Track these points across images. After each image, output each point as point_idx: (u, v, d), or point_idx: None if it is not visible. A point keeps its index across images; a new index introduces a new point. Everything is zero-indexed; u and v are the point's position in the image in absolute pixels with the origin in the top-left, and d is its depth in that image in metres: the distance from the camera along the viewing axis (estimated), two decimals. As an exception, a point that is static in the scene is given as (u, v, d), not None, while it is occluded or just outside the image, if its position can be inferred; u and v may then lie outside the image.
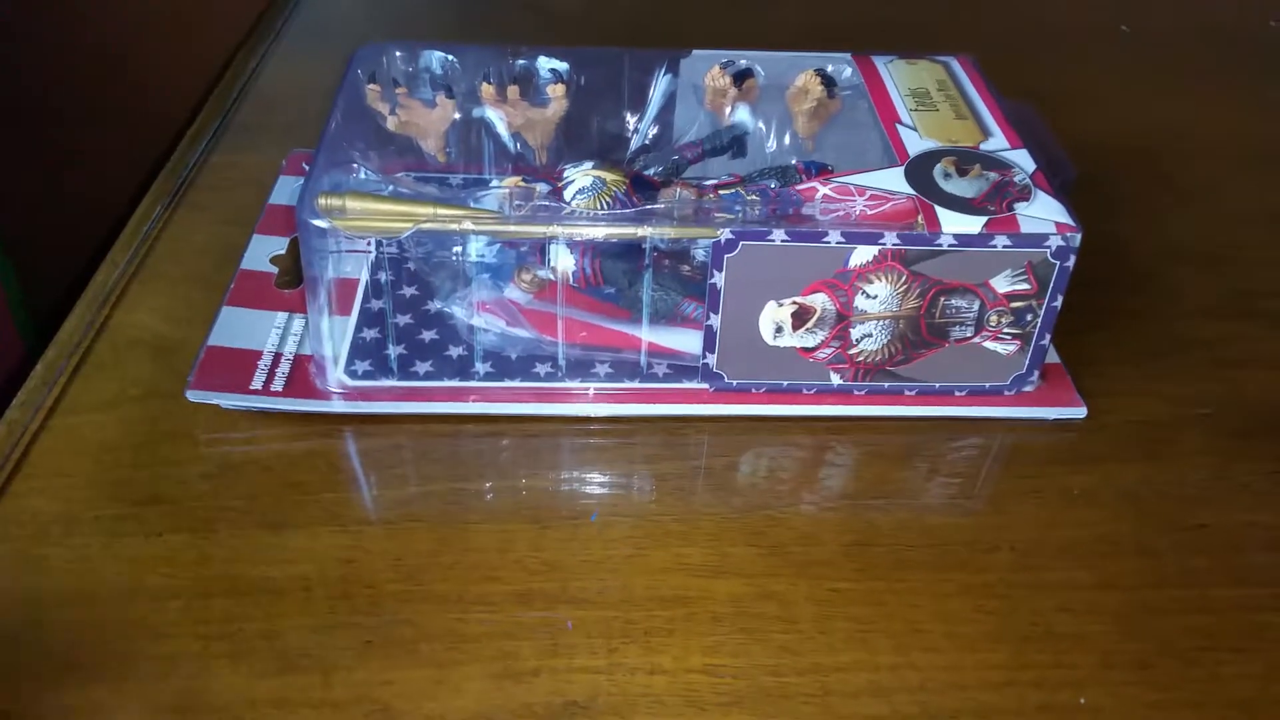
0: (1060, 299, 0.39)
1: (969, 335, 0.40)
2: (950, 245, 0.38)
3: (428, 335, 0.43)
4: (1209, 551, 0.37)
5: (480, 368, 0.42)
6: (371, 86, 0.45)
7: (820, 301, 0.39)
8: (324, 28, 0.70)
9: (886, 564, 0.36)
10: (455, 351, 0.42)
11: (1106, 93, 0.66)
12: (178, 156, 0.56)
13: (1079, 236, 0.38)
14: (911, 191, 0.39)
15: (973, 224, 0.38)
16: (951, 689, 0.32)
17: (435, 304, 0.44)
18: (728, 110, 0.47)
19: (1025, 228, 0.38)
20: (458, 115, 0.46)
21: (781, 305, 0.39)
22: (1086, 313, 0.47)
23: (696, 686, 0.32)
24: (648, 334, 0.42)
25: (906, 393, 0.41)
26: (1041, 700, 0.32)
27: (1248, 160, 0.60)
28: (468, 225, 0.39)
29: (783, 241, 0.37)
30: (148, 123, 0.58)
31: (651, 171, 0.44)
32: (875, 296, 0.39)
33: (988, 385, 0.41)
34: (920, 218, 0.38)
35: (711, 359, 0.40)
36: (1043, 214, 0.39)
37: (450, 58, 0.47)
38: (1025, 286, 0.39)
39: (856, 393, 0.41)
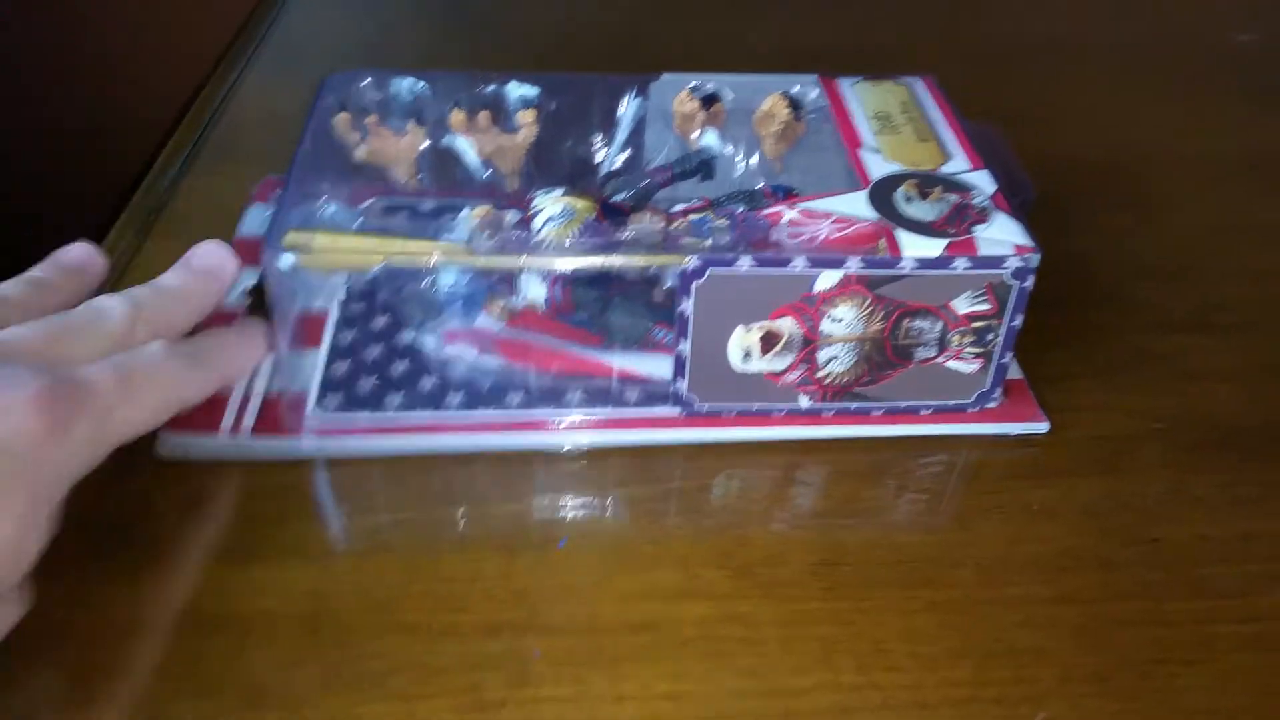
0: (1020, 318, 0.40)
1: (932, 355, 0.41)
2: (912, 269, 0.38)
3: (399, 367, 0.43)
4: (1164, 565, 0.38)
5: (452, 398, 0.42)
6: (341, 115, 0.46)
7: (787, 326, 0.39)
8: (297, 52, 0.71)
9: (853, 583, 0.37)
10: (428, 383, 0.42)
11: (1072, 110, 0.67)
12: (149, 182, 0.56)
13: (1037, 257, 0.39)
14: (874, 215, 0.40)
15: (933, 247, 0.39)
16: (914, 708, 0.33)
17: (407, 335, 0.44)
18: (696, 134, 0.48)
19: (983, 250, 0.39)
20: (428, 142, 0.47)
21: (749, 330, 0.39)
22: (1050, 329, 0.48)
23: (661, 713, 0.32)
24: (619, 360, 0.42)
25: (874, 413, 0.42)
26: (1003, 715, 0.33)
27: (1210, 175, 0.61)
28: (437, 259, 0.39)
29: (749, 268, 0.38)
30: (119, 148, 0.59)
31: (621, 196, 0.45)
32: (841, 320, 0.39)
33: (952, 403, 0.42)
34: (883, 241, 0.39)
35: (682, 384, 0.41)
36: (1001, 235, 0.40)
37: (420, 84, 0.48)
38: (985, 307, 0.40)
39: (825, 414, 0.42)
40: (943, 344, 0.40)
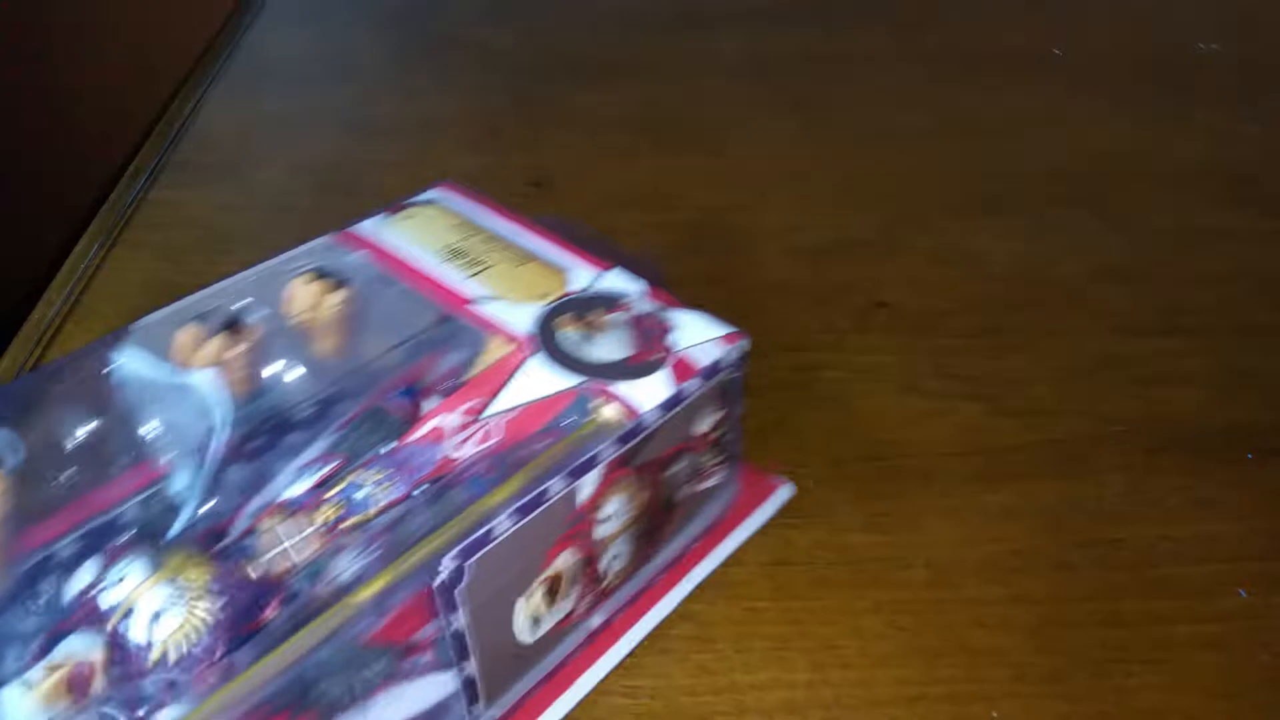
0: (743, 402, 0.35)
1: (693, 489, 0.35)
2: (657, 420, 0.32)
3: None
4: (1123, 566, 0.38)
5: None
6: None
7: (566, 559, 0.31)
8: (264, 66, 0.71)
9: (804, 583, 0.37)
10: None
11: (1039, 117, 0.68)
12: (116, 194, 0.56)
13: (748, 340, 0.34)
14: (572, 380, 0.32)
15: (660, 385, 0.32)
16: (864, 705, 0.33)
17: None
18: (231, 372, 0.33)
19: (702, 360, 0.33)
20: None
21: (532, 595, 0.30)
22: (1012, 334, 0.48)
23: (616, 708, 0.32)
24: None
25: (660, 579, 0.36)
26: (953, 713, 0.33)
27: (1174, 180, 0.61)
28: None
29: (510, 528, 0.28)
30: (87, 160, 0.59)
31: (197, 514, 0.29)
32: (611, 515, 0.32)
33: (714, 515, 0.37)
34: (599, 400, 0.32)
35: (479, 706, 0.30)
36: (701, 334, 0.34)
37: None
38: (721, 414, 0.35)
39: (618, 615, 0.34)
40: (697, 471, 0.35)
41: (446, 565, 0.27)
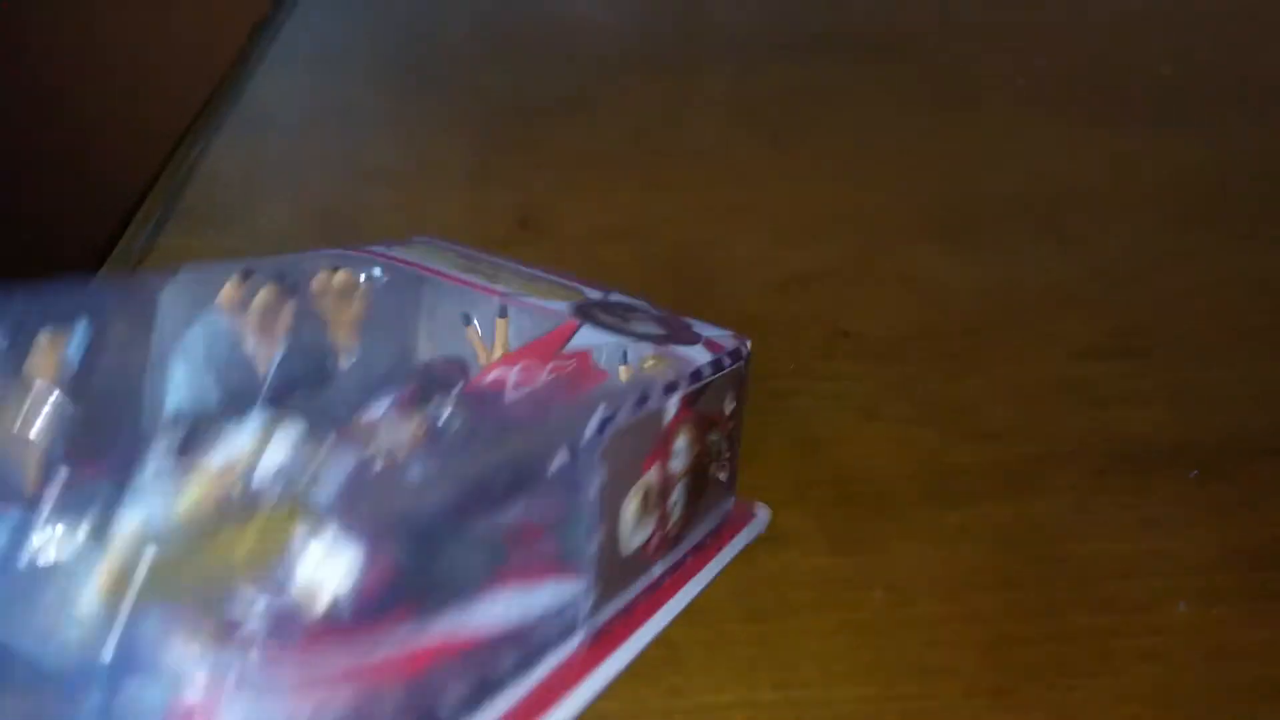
0: (745, 405, 0.38)
1: (715, 474, 0.37)
2: (711, 375, 0.35)
3: None
4: (1069, 583, 0.40)
5: None
6: None
7: (653, 475, 0.32)
8: (271, 109, 0.74)
9: (771, 605, 0.39)
10: None
11: (999, 140, 0.70)
12: (125, 242, 0.59)
13: (750, 342, 0.38)
14: (616, 340, 0.35)
15: (703, 351, 0.35)
16: (825, 721, 0.35)
17: None
18: (280, 324, 0.34)
19: (727, 344, 0.36)
20: None
21: (634, 494, 0.31)
22: (969, 358, 0.51)
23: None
24: (464, 620, 0.27)
25: (689, 559, 0.37)
26: (909, 728, 0.35)
27: (1133, 204, 0.64)
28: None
29: (630, 414, 0.30)
30: (93, 209, 0.61)
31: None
32: (679, 453, 0.34)
33: (720, 519, 0.39)
34: (652, 360, 0.35)
35: (589, 601, 0.31)
36: (714, 330, 0.38)
37: None
38: (735, 404, 0.37)
39: (668, 577, 0.36)
40: (720, 453, 0.36)
41: (593, 423, 0.28)
